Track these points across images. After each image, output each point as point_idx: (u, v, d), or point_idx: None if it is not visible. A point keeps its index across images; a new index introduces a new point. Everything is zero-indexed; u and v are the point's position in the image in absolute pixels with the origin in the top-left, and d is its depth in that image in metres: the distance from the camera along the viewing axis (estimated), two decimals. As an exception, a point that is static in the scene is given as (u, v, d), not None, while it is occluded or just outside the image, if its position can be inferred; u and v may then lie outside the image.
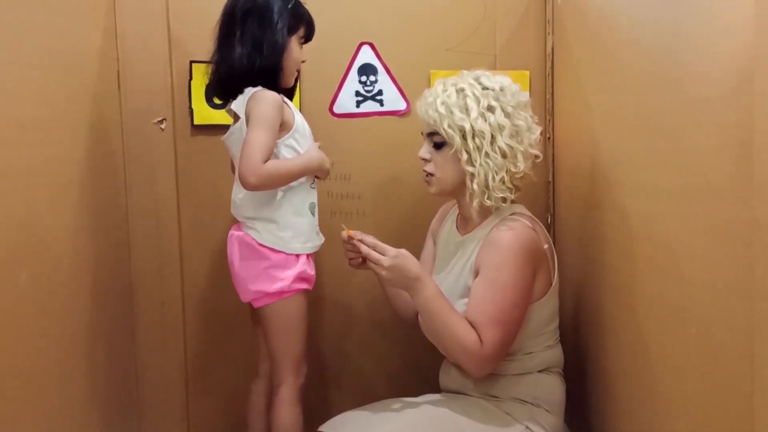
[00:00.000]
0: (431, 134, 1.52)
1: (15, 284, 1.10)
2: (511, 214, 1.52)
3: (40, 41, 1.26)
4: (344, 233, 1.52)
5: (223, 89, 1.59)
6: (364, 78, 1.92)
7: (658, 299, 1.23)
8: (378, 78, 1.92)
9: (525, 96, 1.54)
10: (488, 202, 1.48)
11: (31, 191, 1.18)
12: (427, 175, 1.56)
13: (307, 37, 1.62)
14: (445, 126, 1.47)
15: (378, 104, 1.93)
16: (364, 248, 1.47)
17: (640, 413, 1.34)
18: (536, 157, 1.53)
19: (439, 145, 1.51)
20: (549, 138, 1.95)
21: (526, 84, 1.94)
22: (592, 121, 1.61)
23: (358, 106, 1.93)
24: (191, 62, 1.82)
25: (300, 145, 1.57)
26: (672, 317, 1.16)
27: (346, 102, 1.93)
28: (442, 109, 1.47)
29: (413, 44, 1.92)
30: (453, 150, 1.48)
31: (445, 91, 1.50)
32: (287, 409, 1.58)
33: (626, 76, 1.38)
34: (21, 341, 1.11)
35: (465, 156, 1.47)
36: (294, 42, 1.57)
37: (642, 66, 1.29)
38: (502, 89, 1.49)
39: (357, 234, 1.50)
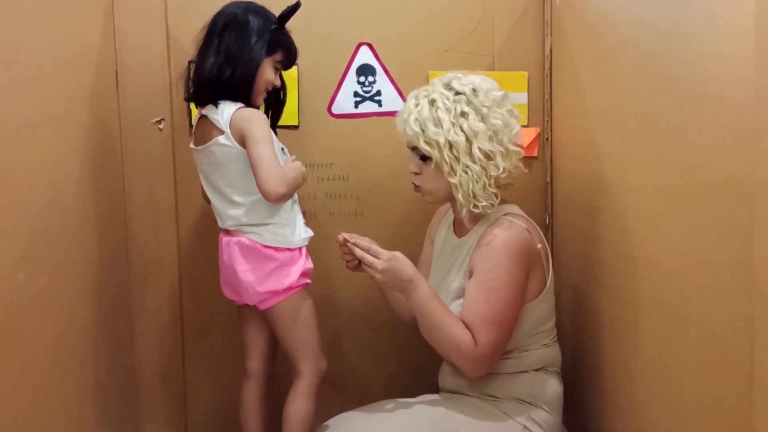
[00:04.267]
0: (414, 148, 1.54)
1: (13, 283, 1.09)
2: (504, 215, 1.52)
3: (38, 41, 1.25)
4: (340, 236, 1.53)
5: (195, 93, 1.61)
6: (362, 78, 1.92)
7: (658, 299, 1.23)
8: (376, 78, 1.92)
9: (500, 93, 1.53)
10: (476, 210, 1.50)
11: (29, 191, 1.18)
12: (416, 187, 1.58)
13: (285, 64, 1.64)
14: (422, 143, 1.48)
15: (376, 105, 1.93)
16: (358, 251, 1.48)
17: (638, 414, 1.34)
18: (518, 153, 1.52)
19: (424, 158, 1.53)
20: (547, 139, 1.96)
21: (525, 85, 1.94)
22: (591, 122, 1.61)
23: (356, 106, 1.93)
24: (189, 62, 1.81)
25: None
26: (671, 317, 1.17)
27: (344, 102, 1.92)
28: (416, 127, 1.49)
29: (412, 45, 1.92)
30: (435, 163, 1.50)
31: (417, 105, 1.50)
32: (304, 402, 1.60)
33: (625, 77, 1.38)
34: (19, 340, 1.11)
35: (446, 168, 1.48)
36: (267, 63, 1.58)
37: (641, 66, 1.29)
38: (474, 91, 1.49)
39: (352, 237, 1.51)
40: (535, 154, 1.95)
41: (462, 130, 1.46)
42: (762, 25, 0.86)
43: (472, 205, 1.49)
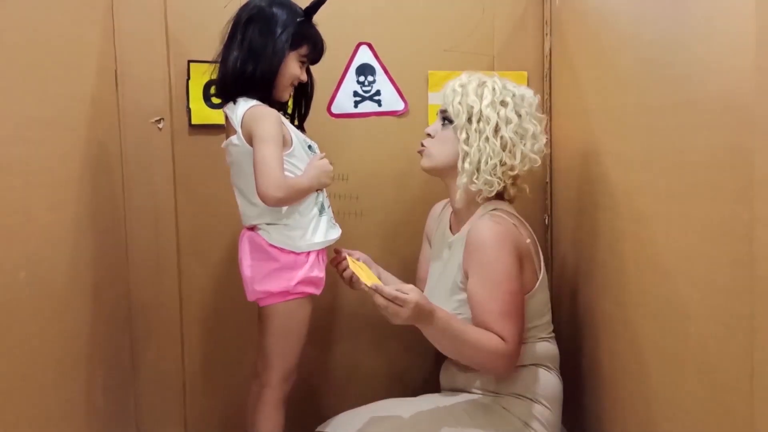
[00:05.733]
0: (444, 110, 1.58)
1: (13, 283, 1.09)
2: (491, 210, 1.54)
3: (37, 40, 1.25)
4: (364, 286, 1.35)
5: (219, 90, 1.59)
6: (362, 78, 1.92)
7: (658, 299, 1.23)
8: (376, 78, 1.92)
9: (542, 114, 1.59)
10: (474, 186, 1.51)
11: (28, 190, 1.17)
12: (421, 148, 1.60)
13: (311, 58, 1.62)
14: (455, 103, 1.53)
15: (376, 104, 1.93)
16: (381, 300, 1.31)
17: (638, 413, 1.34)
18: (535, 162, 1.54)
19: (445, 122, 1.57)
20: (547, 139, 1.95)
21: (524, 84, 1.93)
22: (590, 122, 1.61)
23: (356, 106, 1.93)
24: (189, 62, 1.82)
25: (297, 167, 1.56)
26: (672, 316, 1.17)
27: (344, 102, 1.92)
28: (458, 89, 1.54)
29: (411, 45, 1.92)
30: (454, 127, 1.53)
31: (469, 77, 1.57)
32: (270, 412, 1.57)
33: (624, 77, 1.38)
34: (18, 340, 1.11)
35: (464, 135, 1.52)
36: (292, 58, 1.56)
37: (640, 66, 1.29)
38: (522, 96, 1.55)
39: (373, 285, 1.33)
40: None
41: (497, 112, 1.51)
42: (762, 25, 0.86)
43: (474, 177, 1.51)
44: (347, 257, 1.54)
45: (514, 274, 1.46)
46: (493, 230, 1.47)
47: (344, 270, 1.62)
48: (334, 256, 1.65)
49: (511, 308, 1.44)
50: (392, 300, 1.30)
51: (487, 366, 1.50)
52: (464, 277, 1.51)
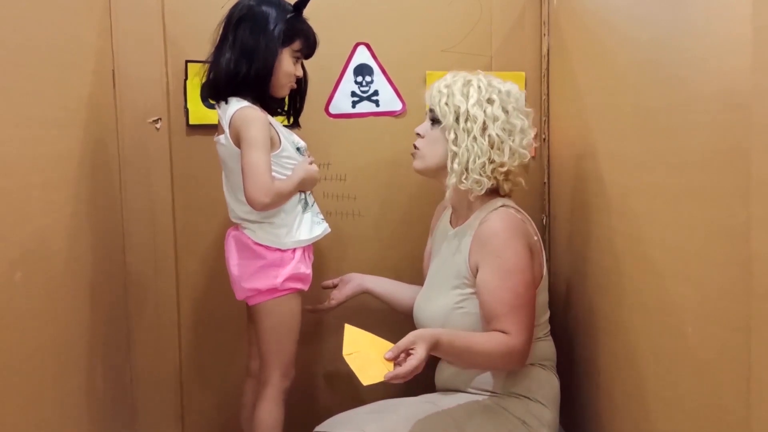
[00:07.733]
0: (431, 110, 1.58)
1: (10, 283, 1.09)
2: (500, 206, 1.55)
3: (35, 40, 1.25)
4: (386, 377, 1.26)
5: (210, 91, 1.60)
6: (360, 78, 1.92)
7: (655, 299, 1.23)
8: (374, 78, 1.92)
9: (528, 109, 1.59)
10: (463, 185, 1.52)
11: (26, 190, 1.17)
12: (414, 148, 1.61)
13: (305, 53, 1.62)
14: (442, 103, 1.53)
15: (374, 105, 1.93)
16: (403, 375, 1.27)
17: (634, 412, 1.34)
18: (524, 156, 1.55)
19: (434, 122, 1.57)
20: (545, 139, 1.96)
21: (522, 85, 1.93)
22: (589, 122, 1.61)
23: (353, 106, 1.93)
24: (187, 62, 1.82)
25: (286, 168, 1.57)
26: (669, 317, 1.17)
27: (341, 102, 1.92)
28: (443, 90, 1.55)
29: (409, 45, 1.92)
30: (442, 128, 1.54)
31: (454, 77, 1.57)
32: (271, 409, 1.58)
33: (623, 77, 1.38)
34: (16, 340, 1.11)
35: (452, 136, 1.52)
36: (286, 54, 1.56)
37: (638, 66, 1.29)
38: (508, 92, 1.55)
39: (389, 376, 1.26)
40: (532, 154, 1.95)
41: (484, 111, 1.51)
42: (759, 25, 0.86)
43: (463, 177, 1.51)
44: (346, 327, 1.40)
45: (527, 265, 1.47)
46: (506, 222, 1.49)
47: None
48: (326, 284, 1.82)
49: (522, 301, 1.44)
50: (413, 370, 1.26)
51: (501, 367, 1.51)
52: (470, 272, 1.51)
